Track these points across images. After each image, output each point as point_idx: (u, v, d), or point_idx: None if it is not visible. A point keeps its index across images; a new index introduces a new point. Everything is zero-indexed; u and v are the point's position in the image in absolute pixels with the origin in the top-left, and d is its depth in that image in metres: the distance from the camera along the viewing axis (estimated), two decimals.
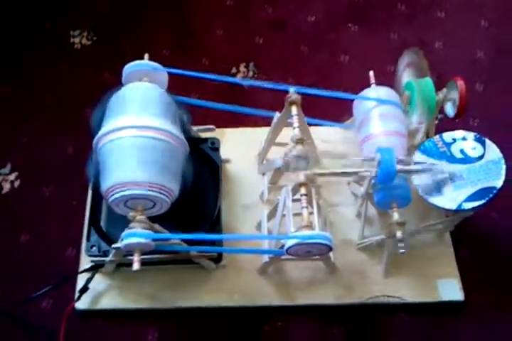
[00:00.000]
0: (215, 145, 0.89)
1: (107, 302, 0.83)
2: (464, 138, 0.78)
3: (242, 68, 1.11)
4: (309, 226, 0.67)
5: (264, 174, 0.91)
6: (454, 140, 0.78)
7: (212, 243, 0.76)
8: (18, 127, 1.04)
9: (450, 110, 0.83)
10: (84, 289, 0.81)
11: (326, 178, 0.90)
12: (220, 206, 0.84)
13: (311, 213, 0.71)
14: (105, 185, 0.65)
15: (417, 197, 0.77)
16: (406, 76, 0.85)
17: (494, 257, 0.88)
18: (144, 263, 0.80)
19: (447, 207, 0.74)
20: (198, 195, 0.86)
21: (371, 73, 0.86)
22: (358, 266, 0.85)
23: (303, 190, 0.71)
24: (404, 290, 0.83)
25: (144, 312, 0.83)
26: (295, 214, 0.72)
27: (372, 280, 0.84)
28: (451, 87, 0.82)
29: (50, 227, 0.92)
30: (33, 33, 1.16)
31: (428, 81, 0.82)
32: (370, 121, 0.81)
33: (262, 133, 0.90)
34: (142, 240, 0.63)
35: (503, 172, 0.74)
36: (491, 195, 0.73)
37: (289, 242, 0.67)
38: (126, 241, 0.63)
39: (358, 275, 0.84)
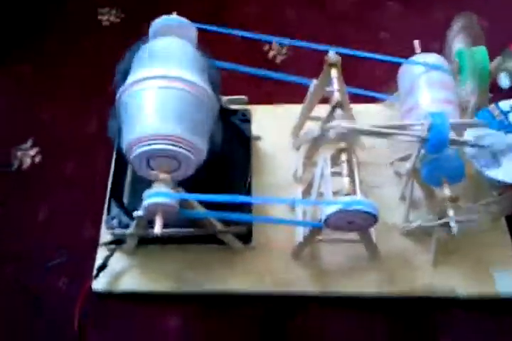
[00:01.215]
0: (246, 116, 0.82)
1: (127, 283, 0.76)
2: None
3: (274, 46, 1.04)
4: (351, 194, 0.59)
5: (298, 149, 0.84)
6: None
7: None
8: (41, 104, 0.99)
9: (505, 81, 0.75)
10: (103, 267, 0.75)
11: (365, 158, 0.82)
12: (251, 181, 0.77)
13: (352, 180, 0.63)
14: (128, 138, 0.59)
15: (468, 175, 0.69)
16: (457, 42, 0.77)
17: None
18: (166, 240, 0.75)
19: (506, 179, 0.65)
20: (227, 169, 0.79)
21: (416, 42, 0.78)
22: (403, 253, 0.77)
23: (343, 157, 0.64)
24: (456, 282, 0.74)
25: (166, 296, 0.76)
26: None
27: (420, 269, 0.75)
28: (507, 55, 0.74)
29: (70, 204, 0.86)
30: (57, 11, 1.12)
31: (482, 49, 0.74)
32: (417, 89, 0.74)
33: (295, 110, 0.84)
34: (166, 200, 0.57)
35: None
36: None
37: (328, 209, 0.59)
38: (148, 201, 0.56)
39: (403, 263, 0.76)
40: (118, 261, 0.77)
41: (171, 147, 0.57)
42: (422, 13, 1.07)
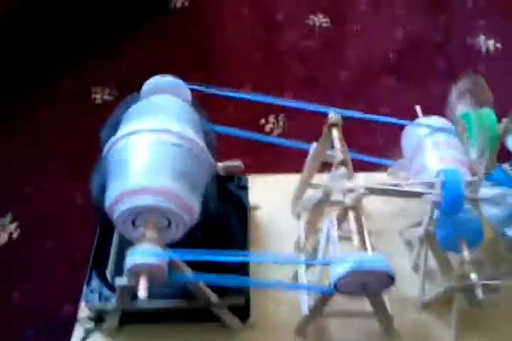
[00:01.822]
0: (242, 183, 0.77)
1: None
2: None
3: (271, 119, 1.03)
4: (361, 249, 0.53)
5: (299, 217, 0.78)
6: None
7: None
8: (25, 178, 0.95)
9: None
10: None
11: (376, 226, 0.77)
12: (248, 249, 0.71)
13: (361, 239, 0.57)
14: (112, 195, 0.53)
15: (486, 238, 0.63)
16: (461, 105, 0.76)
17: None
18: (153, 318, 0.66)
19: None
20: (223, 240, 0.73)
21: (417, 107, 0.77)
22: (421, 329, 0.68)
23: (351, 214, 0.58)
24: None
25: None
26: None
27: None
28: None
29: (47, 282, 0.78)
30: (49, 86, 1.11)
31: (489, 111, 0.72)
32: (423, 151, 0.70)
33: (294, 179, 0.80)
34: (153, 260, 0.49)
35: None
36: None
37: (338, 270, 0.52)
38: (133, 260, 0.49)
39: (422, 339, 0.67)
40: None
41: (159, 202, 0.52)
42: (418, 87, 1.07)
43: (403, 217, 0.76)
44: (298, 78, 1.11)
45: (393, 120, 0.73)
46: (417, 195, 0.62)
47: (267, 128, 1.02)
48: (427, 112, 0.76)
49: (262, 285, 0.68)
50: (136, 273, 0.50)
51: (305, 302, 0.65)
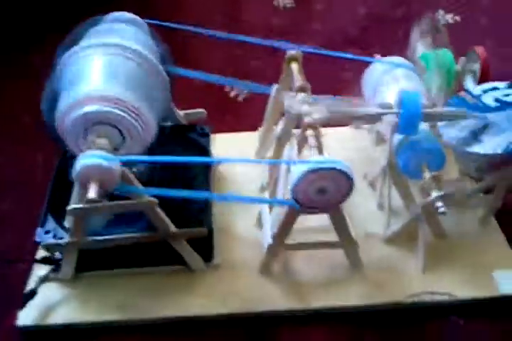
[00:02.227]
0: (204, 130, 0.76)
1: (61, 316, 0.62)
2: (494, 88, 0.66)
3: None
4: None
5: (263, 158, 0.77)
6: (484, 91, 0.67)
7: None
8: None
9: (470, 84, 0.73)
10: (32, 294, 0.61)
11: None
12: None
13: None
14: (64, 104, 0.52)
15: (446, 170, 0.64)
16: (421, 46, 0.76)
17: None
18: (111, 264, 0.64)
19: (491, 151, 0.59)
20: (186, 186, 0.71)
21: (377, 55, 0.77)
22: (388, 262, 0.67)
23: (310, 132, 0.57)
24: (453, 286, 0.63)
25: (110, 328, 0.62)
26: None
27: (409, 276, 0.65)
28: (471, 57, 0.73)
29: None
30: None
31: (447, 51, 0.73)
32: (382, 87, 0.70)
33: (256, 136, 0.80)
34: (103, 162, 0.47)
35: None
36: None
37: (297, 170, 0.51)
38: (81, 163, 0.47)
39: (390, 271, 0.66)
40: (53, 291, 0.64)
41: (113, 110, 0.50)
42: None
43: (369, 164, 0.75)
44: (263, 51, 1.12)
45: (356, 57, 0.73)
46: (377, 117, 0.62)
47: (232, 94, 1.01)
48: None
49: (226, 199, 0.66)
50: (85, 179, 0.48)
51: (268, 235, 0.63)
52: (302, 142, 0.59)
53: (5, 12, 1.20)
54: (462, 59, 0.74)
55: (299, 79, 0.65)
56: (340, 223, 0.59)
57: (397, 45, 0.90)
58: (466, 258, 0.66)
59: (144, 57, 0.56)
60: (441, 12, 1.22)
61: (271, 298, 0.63)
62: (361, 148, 0.81)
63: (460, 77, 0.74)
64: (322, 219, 0.60)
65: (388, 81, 0.70)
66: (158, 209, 0.57)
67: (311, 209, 0.55)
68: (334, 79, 0.98)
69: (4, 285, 0.67)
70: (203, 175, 0.71)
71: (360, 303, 0.62)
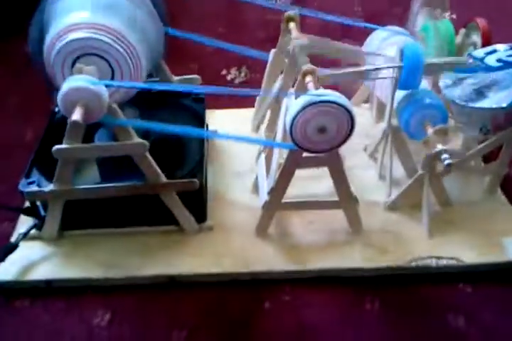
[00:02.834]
0: (199, 95, 0.74)
1: (42, 272, 0.59)
2: (494, 51, 0.65)
3: (233, 71, 1.01)
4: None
5: (258, 129, 0.74)
6: (486, 53, 0.65)
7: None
8: None
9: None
10: (12, 247, 0.58)
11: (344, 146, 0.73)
12: (205, 167, 0.66)
13: None
14: (52, 33, 0.49)
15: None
16: (421, 17, 0.75)
17: None
18: (99, 222, 0.61)
19: (497, 105, 0.57)
20: (180, 150, 0.68)
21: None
22: (391, 227, 0.64)
23: (308, 78, 0.55)
24: (460, 251, 0.60)
25: (93, 286, 0.58)
26: None
27: (413, 240, 0.62)
28: (472, 29, 0.72)
29: None
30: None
31: (446, 22, 0.72)
32: (383, 50, 0.69)
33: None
34: (90, 85, 0.45)
35: None
36: None
37: (295, 105, 0.48)
38: (66, 86, 0.45)
39: (393, 236, 0.62)
40: (35, 249, 0.61)
41: (102, 37, 0.48)
42: None
43: (369, 139, 0.74)
44: (260, 39, 1.11)
45: (359, 23, 0.72)
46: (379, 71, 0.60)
47: (229, 78, 1.00)
48: None
49: (223, 137, 0.63)
50: (71, 103, 0.45)
51: (264, 192, 0.60)
52: (299, 88, 0.56)
53: None
54: (462, 31, 0.72)
55: (296, 34, 0.63)
56: (339, 175, 0.56)
57: None
58: (473, 224, 0.63)
59: None
60: (438, 10, 1.22)
61: (266, 258, 0.60)
62: (360, 124, 0.79)
63: (461, 49, 0.73)
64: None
65: (387, 46, 0.69)
66: (149, 156, 0.54)
67: (311, 151, 0.52)
68: None
69: None
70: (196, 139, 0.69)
71: (360, 266, 0.59)
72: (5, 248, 0.58)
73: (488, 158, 0.68)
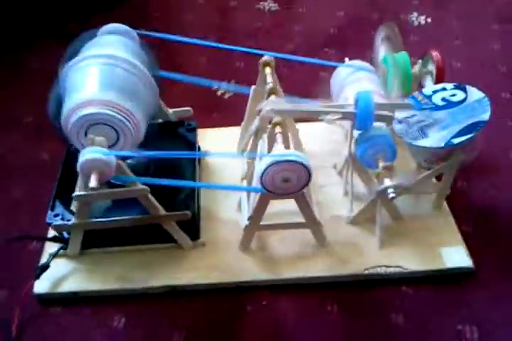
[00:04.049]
0: (191, 126, 0.86)
1: (70, 285, 0.73)
2: (443, 89, 0.76)
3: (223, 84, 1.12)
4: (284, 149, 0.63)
5: (243, 152, 0.87)
6: (434, 91, 0.76)
7: (187, 207, 0.72)
8: None
9: (428, 83, 0.82)
10: (45, 267, 0.72)
11: (317, 163, 0.86)
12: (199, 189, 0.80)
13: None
14: (67, 108, 0.62)
15: (403, 159, 0.74)
16: (382, 50, 0.86)
17: (496, 231, 0.79)
18: (112, 242, 0.75)
19: (435, 145, 0.69)
20: (175, 174, 0.81)
21: (346, 59, 0.87)
22: (350, 240, 0.77)
23: (278, 129, 0.67)
24: (405, 260, 0.74)
25: (111, 296, 0.73)
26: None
27: (368, 251, 0.75)
28: (427, 59, 0.82)
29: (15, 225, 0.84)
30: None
31: (403, 54, 0.82)
32: (346, 87, 0.80)
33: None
34: (101, 156, 0.58)
35: (489, 107, 0.70)
36: (478, 128, 0.69)
37: (263, 162, 0.61)
38: (83, 158, 0.58)
39: (352, 247, 0.76)
40: (62, 265, 0.75)
41: (108, 112, 0.60)
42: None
43: (339, 156, 0.85)
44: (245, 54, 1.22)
45: (324, 62, 0.84)
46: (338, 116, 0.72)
47: (219, 93, 1.11)
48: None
49: (208, 186, 0.77)
50: (87, 171, 0.59)
51: (245, 218, 0.73)
52: (271, 138, 0.69)
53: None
54: (419, 62, 0.83)
55: (270, 83, 0.75)
56: (304, 205, 0.69)
57: (370, 44, 1.00)
58: (419, 236, 0.76)
59: (134, 66, 0.66)
60: (415, 14, 1.32)
61: (249, 270, 0.74)
62: (333, 141, 0.92)
63: (420, 78, 0.84)
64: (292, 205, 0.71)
65: (351, 81, 0.80)
66: (150, 196, 0.68)
67: (278, 194, 0.66)
68: (312, 77, 1.07)
69: (22, 261, 0.77)
70: (190, 165, 0.81)
71: (324, 274, 0.73)
72: (39, 268, 0.72)
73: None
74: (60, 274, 0.74)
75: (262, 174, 0.62)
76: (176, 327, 0.70)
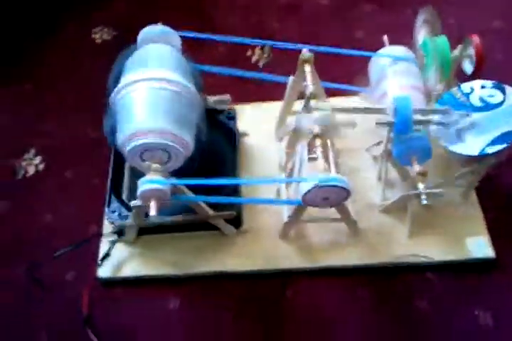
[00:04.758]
0: (231, 114, 0.89)
1: (129, 270, 0.83)
2: (482, 87, 0.77)
3: (257, 51, 1.12)
4: (325, 171, 0.66)
5: (281, 141, 0.91)
6: (473, 89, 0.77)
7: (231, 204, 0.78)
8: (41, 118, 1.06)
9: (467, 67, 0.82)
10: (106, 255, 0.81)
11: (345, 144, 0.89)
12: (239, 174, 0.84)
13: (326, 161, 0.70)
14: (121, 136, 0.66)
15: (438, 154, 0.76)
16: (422, 34, 0.84)
17: None
18: (163, 229, 0.82)
19: (469, 153, 0.72)
20: (217, 164, 0.86)
21: (385, 37, 0.86)
22: (382, 228, 0.83)
23: (318, 142, 0.71)
24: (432, 250, 0.80)
25: (166, 279, 0.83)
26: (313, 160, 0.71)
27: (398, 240, 0.82)
28: (467, 43, 0.81)
29: (73, 206, 0.92)
30: (54, 31, 1.20)
31: (443, 39, 0.81)
32: (386, 79, 0.80)
33: (278, 106, 0.91)
34: (158, 186, 0.63)
35: None
36: None
37: (304, 187, 0.66)
38: (143, 188, 0.63)
39: (383, 237, 0.82)
40: (120, 251, 0.84)
41: (160, 141, 0.64)
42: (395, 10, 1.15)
43: (373, 136, 0.87)
44: (281, 5, 1.19)
45: (361, 53, 0.83)
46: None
47: (253, 59, 1.11)
48: (399, 36, 0.84)
49: (249, 201, 0.82)
50: (146, 197, 0.64)
51: (285, 213, 0.79)
52: (311, 147, 0.73)
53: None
54: (459, 46, 0.82)
55: (310, 85, 0.76)
56: (342, 211, 0.75)
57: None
58: (446, 226, 0.82)
59: (182, 86, 0.68)
60: None
61: (288, 258, 0.81)
62: (366, 120, 0.93)
63: (458, 62, 0.84)
64: None
65: (389, 75, 0.80)
66: (201, 203, 0.74)
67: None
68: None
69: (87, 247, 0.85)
70: (230, 153, 0.87)
71: (356, 263, 0.80)
72: (102, 258, 0.81)
73: None
74: (119, 259, 0.83)
75: (305, 194, 0.67)
76: (224, 308, 0.80)
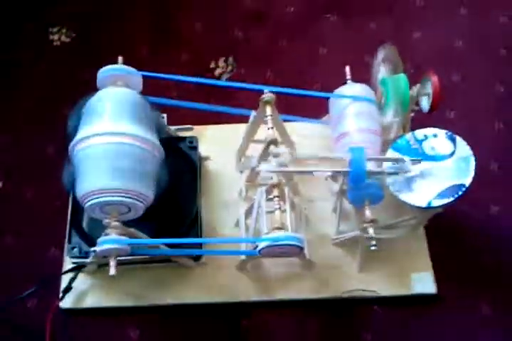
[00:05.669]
0: (193, 143, 0.90)
1: (91, 301, 0.85)
2: (435, 136, 0.79)
3: (221, 63, 1.11)
4: (280, 228, 0.69)
5: (242, 172, 0.92)
6: (426, 137, 0.79)
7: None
8: None
9: (425, 104, 0.84)
10: (68, 289, 0.84)
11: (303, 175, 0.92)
12: (199, 205, 0.86)
13: (283, 211, 0.73)
14: (80, 191, 0.66)
15: (390, 194, 0.79)
16: (381, 72, 0.85)
17: (467, 250, 0.90)
18: (124, 263, 0.83)
19: (417, 204, 0.75)
20: (177, 194, 0.87)
21: (347, 69, 0.87)
22: (334, 261, 0.88)
23: (275, 192, 0.73)
24: (379, 284, 0.85)
25: (126, 309, 0.86)
26: (271, 212, 0.74)
27: (348, 274, 0.86)
28: (426, 81, 0.83)
29: (33, 229, 0.93)
30: (11, 32, 1.15)
31: (402, 77, 0.83)
32: (345, 119, 0.82)
33: (242, 129, 0.90)
34: (117, 246, 0.65)
35: (472, 169, 0.75)
36: (460, 193, 0.74)
37: (261, 245, 0.69)
38: (101, 248, 0.65)
39: (334, 270, 0.87)
40: (81, 281, 0.86)
41: (118, 198, 0.65)
42: (357, 25, 1.14)
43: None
44: (246, 15, 1.17)
45: (322, 94, 0.85)
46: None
47: (217, 73, 1.10)
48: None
49: (210, 253, 0.85)
50: (106, 254, 0.66)
51: (244, 248, 0.83)
52: (269, 193, 0.75)
53: None
54: (417, 86, 0.84)
55: (270, 129, 0.77)
56: (300, 257, 0.78)
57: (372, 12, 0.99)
58: (394, 261, 0.87)
59: (141, 139, 0.68)
60: None
61: (244, 290, 0.86)
62: (325, 147, 0.95)
63: (416, 99, 0.86)
64: None
65: (349, 115, 0.82)
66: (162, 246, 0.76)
67: None
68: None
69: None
70: (191, 184, 0.88)
71: (307, 296, 0.85)
72: (64, 290, 0.83)
73: None
74: (80, 290, 0.86)
75: (259, 251, 0.70)
76: (182, 339, 0.84)
